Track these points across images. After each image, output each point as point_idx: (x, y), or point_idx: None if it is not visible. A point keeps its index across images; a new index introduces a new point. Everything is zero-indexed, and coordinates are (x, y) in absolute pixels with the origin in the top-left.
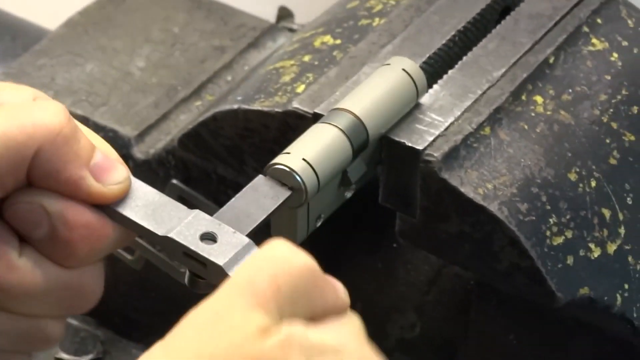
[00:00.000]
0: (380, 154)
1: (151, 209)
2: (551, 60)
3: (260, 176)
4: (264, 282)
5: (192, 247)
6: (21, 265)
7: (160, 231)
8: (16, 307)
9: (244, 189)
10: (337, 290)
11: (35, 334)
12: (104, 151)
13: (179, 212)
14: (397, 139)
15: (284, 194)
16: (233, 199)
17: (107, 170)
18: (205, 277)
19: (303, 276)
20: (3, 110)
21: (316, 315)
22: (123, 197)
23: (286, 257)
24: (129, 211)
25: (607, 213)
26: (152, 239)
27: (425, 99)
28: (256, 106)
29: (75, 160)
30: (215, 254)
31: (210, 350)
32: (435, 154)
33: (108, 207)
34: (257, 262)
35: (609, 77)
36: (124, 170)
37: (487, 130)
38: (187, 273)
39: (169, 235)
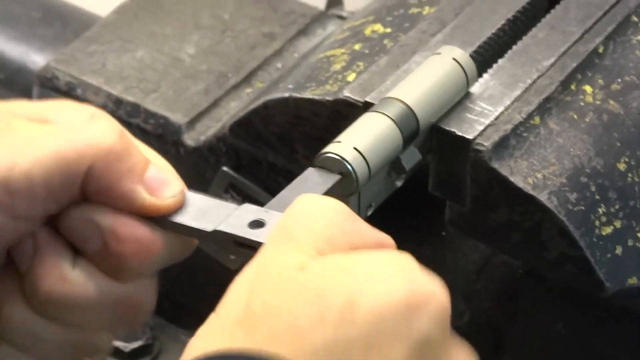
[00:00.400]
0: (430, 142)
1: (201, 212)
2: (600, 50)
3: (310, 168)
4: (296, 228)
5: (241, 234)
6: (74, 277)
7: (209, 227)
8: (68, 319)
9: (294, 181)
10: (375, 230)
11: (85, 345)
12: (159, 165)
13: (227, 209)
14: (447, 128)
15: (334, 178)
16: (282, 191)
17: (162, 184)
18: None
19: (334, 216)
20: (59, 129)
21: (357, 247)
22: (177, 209)
23: (314, 203)
24: (179, 217)
25: None
26: (204, 238)
27: (475, 88)
28: (307, 94)
29: (128, 176)
30: (263, 236)
31: (259, 297)
32: (485, 143)
33: (159, 217)
34: (288, 214)
35: None
36: (178, 184)
37: (537, 119)
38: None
39: (218, 228)
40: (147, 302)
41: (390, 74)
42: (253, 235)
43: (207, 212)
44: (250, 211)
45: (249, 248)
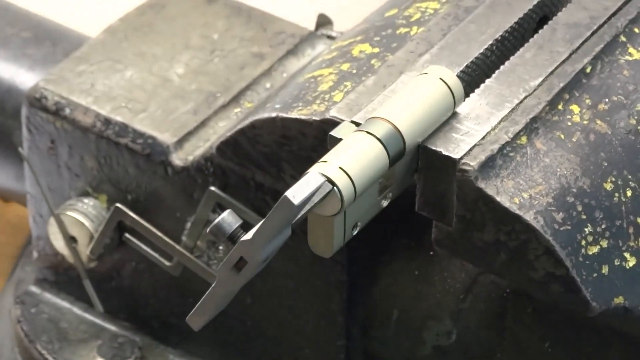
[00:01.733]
0: (416, 162)
1: None
2: (588, 70)
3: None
4: None
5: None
6: None
7: None
8: None
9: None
10: None
11: None
12: None
13: None
14: (433, 147)
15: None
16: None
17: None
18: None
19: None
20: None
21: None
22: None
23: None
24: None
25: None
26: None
27: (462, 108)
28: (294, 114)
29: None
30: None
31: None
32: (471, 163)
33: None
34: None
35: None
36: None
37: (524, 139)
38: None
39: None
40: None
41: (377, 94)
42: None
43: None
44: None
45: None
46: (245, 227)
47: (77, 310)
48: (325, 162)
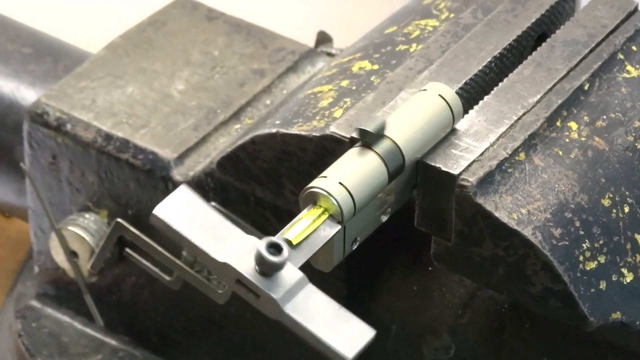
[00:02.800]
0: (416, 178)
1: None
2: (586, 87)
3: None
4: None
5: (249, 278)
6: None
7: (220, 257)
8: None
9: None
10: None
11: None
12: None
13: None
14: (432, 163)
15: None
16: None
17: None
18: (257, 308)
19: None
20: None
21: None
22: None
23: None
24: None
25: (639, 238)
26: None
27: (461, 125)
28: (294, 130)
29: None
30: (271, 287)
31: None
32: (470, 179)
33: None
34: None
35: None
36: None
37: (522, 155)
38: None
39: (229, 262)
40: None
41: (376, 110)
42: (261, 283)
43: (222, 237)
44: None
45: (250, 291)
46: None
47: (78, 325)
48: (325, 177)
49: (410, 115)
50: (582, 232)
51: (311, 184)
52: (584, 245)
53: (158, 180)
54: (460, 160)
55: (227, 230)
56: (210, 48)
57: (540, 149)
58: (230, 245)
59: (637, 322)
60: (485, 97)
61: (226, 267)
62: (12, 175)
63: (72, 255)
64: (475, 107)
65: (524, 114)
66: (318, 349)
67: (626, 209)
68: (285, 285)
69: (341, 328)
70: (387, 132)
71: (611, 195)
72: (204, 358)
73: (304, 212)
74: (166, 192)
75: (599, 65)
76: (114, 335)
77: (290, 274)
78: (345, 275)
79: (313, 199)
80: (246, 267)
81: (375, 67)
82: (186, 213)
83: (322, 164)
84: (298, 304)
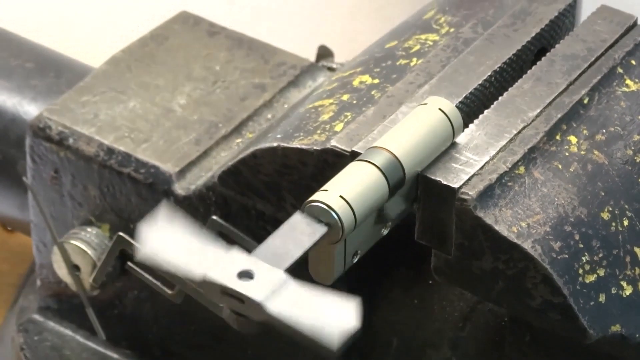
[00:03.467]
0: (416, 191)
1: (188, 253)
2: (585, 101)
3: (297, 213)
4: None
5: (230, 285)
6: None
7: (198, 274)
8: None
9: (282, 226)
10: None
11: None
12: None
13: (215, 253)
14: (433, 177)
15: (321, 230)
16: (270, 236)
17: None
18: (244, 314)
19: None
20: None
21: None
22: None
23: None
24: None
25: (639, 251)
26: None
27: (461, 138)
28: (295, 144)
29: None
30: (252, 290)
31: None
32: (470, 193)
33: None
34: None
35: None
36: None
37: (522, 169)
38: (228, 312)
39: (207, 275)
40: None
41: (377, 124)
42: (242, 288)
43: (194, 254)
44: (239, 260)
45: (236, 299)
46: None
47: (80, 338)
48: (326, 190)
49: (411, 129)
50: (581, 245)
51: (312, 198)
52: (583, 258)
53: (160, 194)
54: (460, 174)
55: (206, 245)
56: (211, 63)
57: (540, 163)
58: (210, 258)
59: (637, 335)
60: (485, 111)
61: (208, 279)
62: (15, 189)
63: (74, 268)
64: (476, 121)
65: (523, 128)
66: (304, 343)
67: (625, 223)
68: (268, 286)
69: (326, 320)
70: (387, 146)
71: (610, 209)
72: None
73: None
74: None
75: (598, 79)
76: (116, 348)
77: (272, 274)
78: (346, 289)
79: (313, 212)
80: (227, 275)
81: (376, 81)
82: (164, 238)
83: (323, 178)
84: (282, 303)
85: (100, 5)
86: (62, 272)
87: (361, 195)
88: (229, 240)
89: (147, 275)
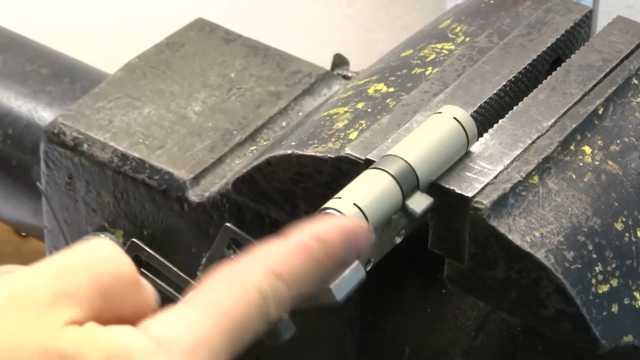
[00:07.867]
0: None
1: None
2: (600, 111)
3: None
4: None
5: None
6: None
7: None
8: None
9: None
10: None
11: None
12: None
13: None
14: (447, 186)
15: None
16: None
17: None
18: None
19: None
20: None
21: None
22: None
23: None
24: None
25: None
26: None
27: (475, 147)
28: (309, 151)
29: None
30: None
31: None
32: (484, 202)
33: None
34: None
35: None
36: None
37: (536, 179)
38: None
39: None
40: None
41: (391, 133)
42: None
43: None
44: None
45: None
46: None
47: None
48: (340, 198)
49: (425, 137)
50: (594, 256)
51: (326, 205)
52: (596, 268)
53: (174, 200)
54: (474, 183)
55: None
56: (227, 70)
57: (554, 173)
58: None
59: None
60: (500, 121)
61: None
62: (29, 195)
63: None
64: (490, 131)
65: (538, 138)
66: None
67: (639, 233)
68: None
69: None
70: (401, 154)
71: (624, 219)
72: None
73: None
74: (182, 212)
75: (613, 89)
76: None
77: None
78: (359, 298)
79: None
80: None
81: (391, 89)
82: None
83: (337, 186)
84: None
85: (116, 12)
86: None
87: (375, 203)
88: (243, 247)
89: (160, 282)
